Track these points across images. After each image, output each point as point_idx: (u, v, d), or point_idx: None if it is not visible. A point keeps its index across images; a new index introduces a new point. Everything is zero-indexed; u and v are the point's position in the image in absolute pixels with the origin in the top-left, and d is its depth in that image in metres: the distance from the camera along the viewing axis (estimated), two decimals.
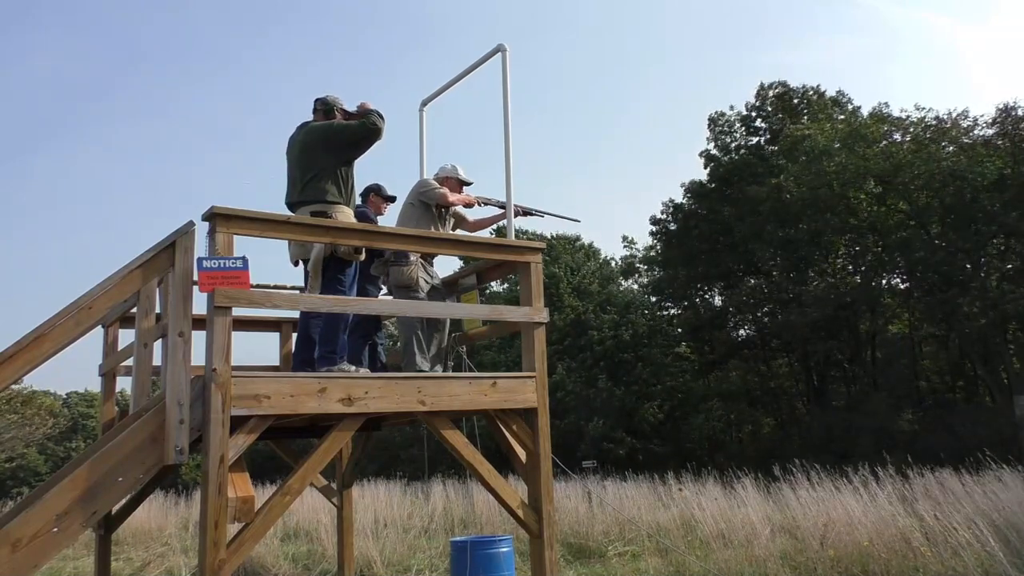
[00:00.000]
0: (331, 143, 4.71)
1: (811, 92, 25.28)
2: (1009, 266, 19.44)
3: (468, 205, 5.70)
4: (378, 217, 5.85)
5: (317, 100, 4.93)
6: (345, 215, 4.69)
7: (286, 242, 4.73)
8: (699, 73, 67.34)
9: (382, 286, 5.91)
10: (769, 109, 25.27)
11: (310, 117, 4.98)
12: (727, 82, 59.45)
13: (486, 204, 5.77)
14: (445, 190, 5.46)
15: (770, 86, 25.46)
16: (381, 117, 4.74)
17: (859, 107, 24.32)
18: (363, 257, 4.91)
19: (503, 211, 5.41)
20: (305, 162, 4.69)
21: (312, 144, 4.71)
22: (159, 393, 3.86)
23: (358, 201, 5.86)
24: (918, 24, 59.26)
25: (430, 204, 5.42)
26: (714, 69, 63.77)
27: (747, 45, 63.84)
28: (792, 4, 65.30)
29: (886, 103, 22.81)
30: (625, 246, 31.98)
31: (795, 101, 25.14)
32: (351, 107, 4.94)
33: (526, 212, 5.82)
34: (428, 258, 5.37)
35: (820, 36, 62.08)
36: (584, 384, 23.58)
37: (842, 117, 23.43)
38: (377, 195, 5.91)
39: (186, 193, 77.12)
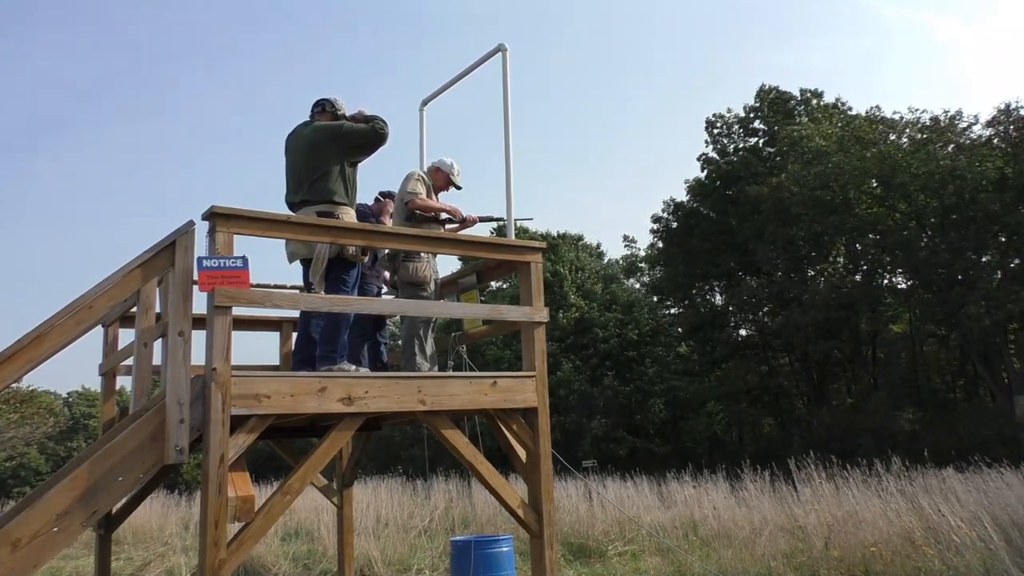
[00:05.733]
0: (341, 144, 4.69)
1: (808, 95, 25.37)
2: (1012, 265, 19.40)
3: (454, 216, 5.42)
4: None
5: (324, 100, 4.90)
6: (350, 216, 4.69)
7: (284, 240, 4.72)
8: (698, 73, 67.34)
9: (383, 285, 5.92)
10: (767, 111, 25.32)
11: (307, 117, 4.96)
12: (727, 82, 59.47)
13: (487, 221, 5.73)
14: (416, 194, 5.23)
15: (769, 89, 25.52)
16: (385, 122, 4.76)
17: (856, 112, 24.36)
18: (368, 259, 4.91)
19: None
20: (313, 161, 4.67)
21: (322, 143, 4.69)
22: (159, 392, 3.86)
23: (369, 201, 5.89)
24: (914, 24, 59.26)
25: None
26: (714, 69, 63.78)
27: (747, 45, 63.84)
28: (792, 4, 65.29)
29: (878, 106, 22.95)
30: (626, 245, 32.03)
31: (792, 103, 25.21)
32: (348, 113, 4.93)
33: (483, 219, 5.72)
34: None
35: (819, 37, 62.07)
36: (589, 382, 23.57)
37: (841, 125, 23.48)
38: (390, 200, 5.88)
39: (186, 193, 77.15)
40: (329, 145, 4.68)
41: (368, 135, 4.72)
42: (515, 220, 5.21)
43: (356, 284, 4.85)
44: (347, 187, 4.71)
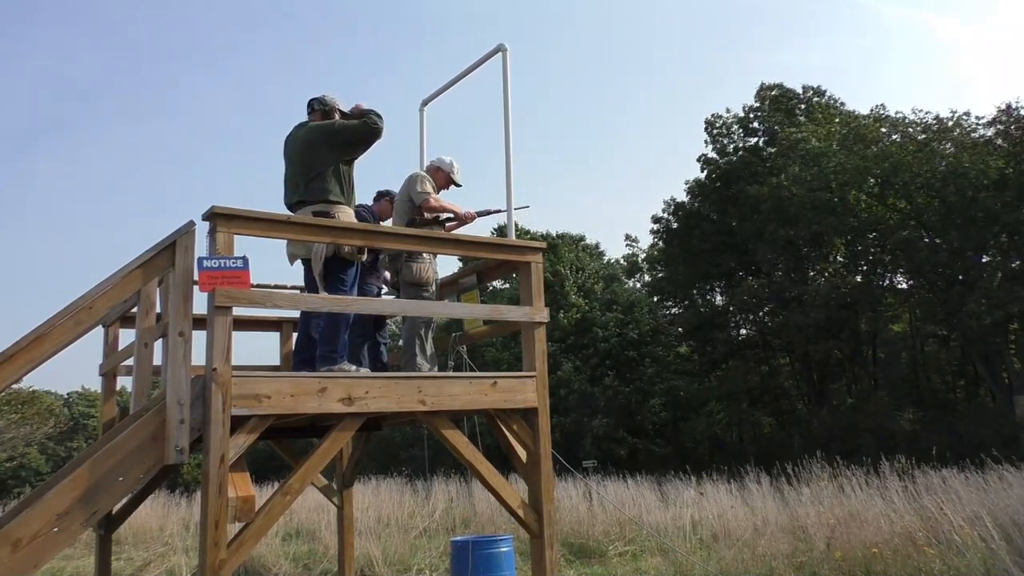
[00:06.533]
0: (334, 142, 4.69)
1: (810, 92, 25.35)
2: (1013, 265, 19.39)
3: (459, 218, 5.47)
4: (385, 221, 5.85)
5: (314, 100, 4.91)
6: (347, 215, 4.67)
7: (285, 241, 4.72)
8: (698, 73, 67.33)
9: (383, 285, 5.92)
10: (767, 110, 25.30)
11: (306, 118, 4.96)
12: (727, 82, 59.46)
13: (485, 216, 5.74)
14: (430, 194, 5.29)
15: (768, 87, 25.49)
16: (380, 117, 4.74)
17: (854, 110, 24.35)
18: (365, 257, 4.90)
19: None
20: (308, 161, 4.67)
21: (315, 143, 4.69)
22: (159, 393, 3.86)
23: (368, 202, 5.88)
24: (914, 24, 59.25)
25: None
26: (714, 69, 63.77)
27: (747, 45, 63.83)
28: (792, 4, 65.28)
29: (882, 105, 22.90)
30: (628, 244, 32.00)
31: (793, 102, 25.20)
32: (345, 108, 4.93)
33: (484, 214, 5.77)
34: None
35: (819, 37, 62.05)
36: (589, 382, 23.57)
37: (837, 120, 23.47)
38: (389, 201, 5.89)
39: (186, 193, 77.17)
40: (322, 145, 4.67)
41: (360, 131, 4.70)
42: (514, 212, 5.22)
43: (355, 283, 4.84)
44: (343, 186, 4.70)
